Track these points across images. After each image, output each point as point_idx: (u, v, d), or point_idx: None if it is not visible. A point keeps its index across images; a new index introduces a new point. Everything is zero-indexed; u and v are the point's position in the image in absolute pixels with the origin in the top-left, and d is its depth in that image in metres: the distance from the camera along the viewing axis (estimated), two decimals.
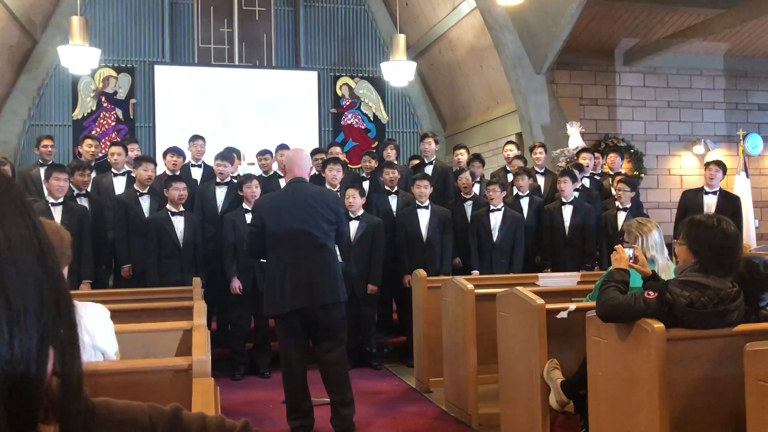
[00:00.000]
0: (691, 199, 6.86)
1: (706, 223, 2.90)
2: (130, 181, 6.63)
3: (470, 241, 6.52)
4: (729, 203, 6.64)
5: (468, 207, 6.82)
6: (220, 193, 6.52)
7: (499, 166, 8.47)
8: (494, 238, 6.40)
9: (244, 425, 0.95)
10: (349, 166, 9.17)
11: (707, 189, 6.78)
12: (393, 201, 6.67)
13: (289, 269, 4.16)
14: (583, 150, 7.77)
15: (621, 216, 6.57)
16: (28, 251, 0.59)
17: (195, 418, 0.91)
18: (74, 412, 0.65)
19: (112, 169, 6.72)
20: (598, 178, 7.64)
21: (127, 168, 6.83)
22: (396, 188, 6.70)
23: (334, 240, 4.40)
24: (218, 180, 6.56)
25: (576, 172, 6.88)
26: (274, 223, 4.22)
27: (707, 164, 7.00)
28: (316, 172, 7.28)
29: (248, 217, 5.99)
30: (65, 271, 2.15)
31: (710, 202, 6.69)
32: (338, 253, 4.67)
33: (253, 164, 8.65)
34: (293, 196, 4.26)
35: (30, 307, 0.58)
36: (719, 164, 6.86)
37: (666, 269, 3.62)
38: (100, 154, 7.68)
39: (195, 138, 7.35)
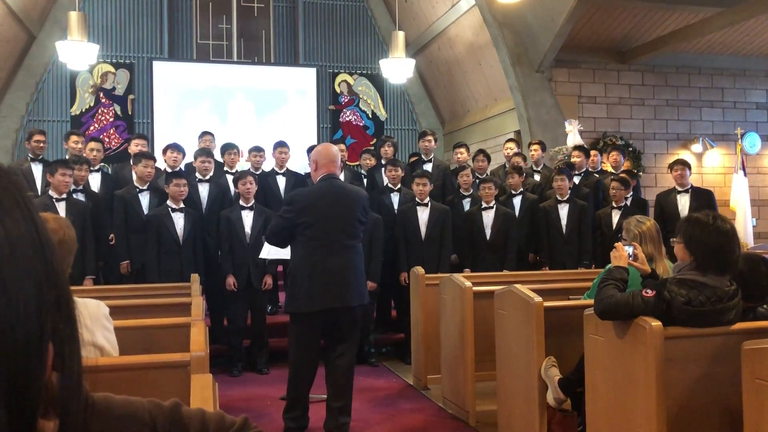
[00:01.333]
0: (665, 200, 6.92)
1: (701, 221, 2.90)
2: (105, 177, 6.61)
3: (464, 239, 6.54)
4: (701, 200, 6.68)
5: (466, 204, 6.83)
6: (203, 190, 6.45)
7: (498, 164, 8.47)
8: (487, 236, 6.42)
9: (243, 421, 0.95)
10: (347, 163, 9.18)
11: (679, 188, 6.82)
12: (395, 198, 6.68)
13: (319, 267, 4.08)
14: (576, 148, 7.76)
15: (615, 215, 6.59)
16: (28, 246, 0.59)
17: (195, 414, 0.91)
18: (74, 408, 0.65)
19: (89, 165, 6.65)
20: (597, 175, 7.64)
21: (137, 164, 6.81)
22: (399, 185, 6.71)
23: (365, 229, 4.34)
24: (200, 177, 6.44)
25: (568, 170, 6.90)
26: (310, 219, 4.12)
27: (671, 165, 7.03)
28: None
29: (244, 214, 5.98)
30: (69, 264, 2.16)
31: (684, 201, 6.73)
32: None
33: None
34: (329, 194, 4.16)
35: (29, 302, 0.58)
36: (683, 163, 6.92)
37: (664, 267, 3.62)
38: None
39: (204, 134, 7.32)
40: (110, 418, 0.81)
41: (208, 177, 6.46)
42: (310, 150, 7.43)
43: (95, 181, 6.56)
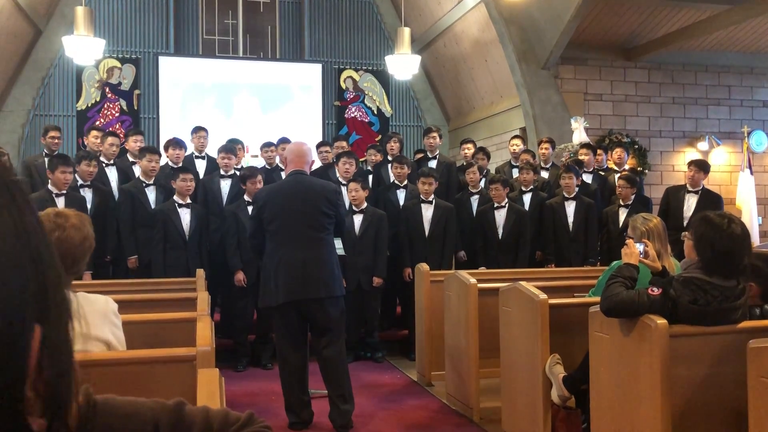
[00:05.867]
0: (673, 196, 6.87)
1: (715, 222, 2.85)
2: (121, 172, 6.64)
3: (475, 238, 6.54)
4: (709, 202, 6.62)
5: (474, 201, 6.83)
6: (225, 186, 6.52)
7: (503, 161, 8.46)
8: (499, 235, 6.43)
9: (248, 417, 0.96)
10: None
11: (689, 188, 6.77)
12: (401, 195, 6.68)
13: (284, 261, 4.16)
14: (583, 146, 7.75)
15: (622, 212, 6.58)
16: (9, 231, 0.59)
17: (198, 412, 0.91)
18: (64, 400, 0.64)
19: (102, 159, 6.67)
20: (602, 173, 7.63)
21: (131, 159, 6.84)
22: (405, 182, 6.72)
23: (334, 233, 4.39)
24: (222, 173, 6.56)
25: (576, 167, 6.89)
26: (272, 215, 4.22)
27: (689, 164, 6.99)
28: (322, 164, 7.29)
29: (250, 210, 6.00)
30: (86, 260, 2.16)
31: (691, 201, 6.69)
32: (341, 245, 4.66)
33: (256, 156, 8.64)
34: (292, 188, 4.25)
35: (12, 284, 0.58)
36: (700, 165, 6.83)
37: (669, 265, 3.61)
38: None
39: (197, 129, 7.33)
40: (113, 416, 0.81)
41: (231, 173, 6.52)
42: (320, 145, 7.50)
43: (113, 176, 6.60)
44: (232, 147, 6.77)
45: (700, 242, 2.87)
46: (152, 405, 0.86)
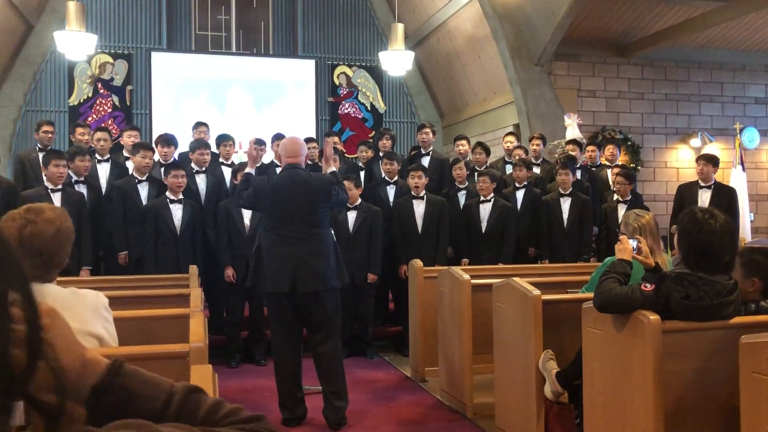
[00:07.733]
0: (686, 193, 6.86)
1: (694, 217, 2.85)
2: (114, 167, 6.60)
3: (460, 232, 6.55)
4: (724, 196, 6.64)
5: (462, 197, 6.82)
6: (201, 182, 6.46)
7: (497, 157, 8.47)
8: (483, 229, 6.43)
9: (258, 416, 0.96)
10: (345, 155, 9.18)
11: (701, 183, 6.79)
12: (391, 191, 6.68)
13: (280, 256, 4.19)
14: (569, 142, 7.74)
15: (621, 208, 6.59)
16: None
17: (212, 399, 0.96)
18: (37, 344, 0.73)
19: (96, 155, 6.65)
20: (594, 169, 7.65)
21: (126, 154, 6.80)
22: (395, 178, 6.71)
23: (337, 205, 4.49)
24: (196, 168, 6.45)
25: (571, 164, 6.91)
26: (269, 209, 4.25)
27: (697, 159, 7.01)
28: (309, 161, 7.27)
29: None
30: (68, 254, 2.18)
31: (705, 196, 6.69)
32: (335, 239, 4.68)
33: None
34: (287, 183, 4.27)
35: None
36: (708, 158, 6.85)
37: (662, 260, 3.62)
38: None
39: (198, 125, 7.29)
40: (134, 379, 0.89)
41: (204, 168, 6.47)
42: (307, 141, 7.46)
43: (104, 172, 6.56)
44: (207, 142, 6.73)
45: (680, 237, 2.89)
46: (174, 381, 0.92)
